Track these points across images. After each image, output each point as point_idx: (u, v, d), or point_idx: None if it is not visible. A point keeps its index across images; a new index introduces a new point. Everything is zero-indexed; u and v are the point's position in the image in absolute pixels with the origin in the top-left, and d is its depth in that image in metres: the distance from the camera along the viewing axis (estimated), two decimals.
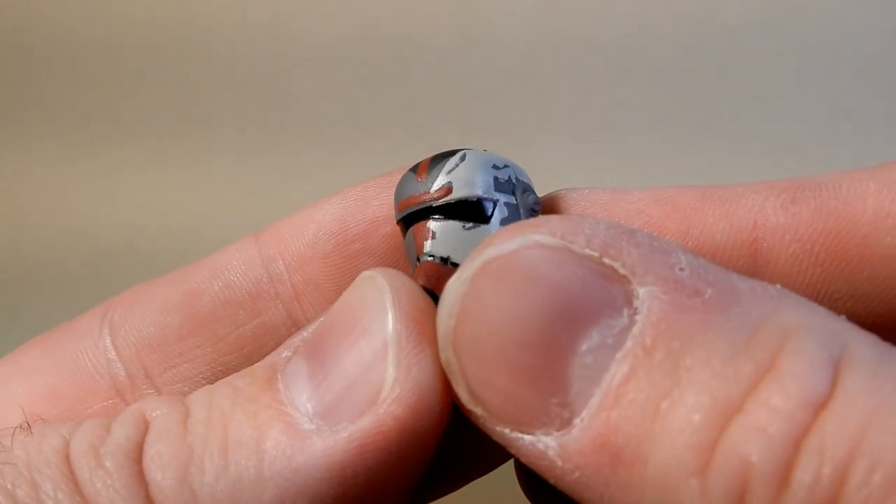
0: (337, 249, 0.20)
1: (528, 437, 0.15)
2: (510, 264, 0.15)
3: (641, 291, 0.15)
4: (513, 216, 0.17)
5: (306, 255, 0.20)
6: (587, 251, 0.15)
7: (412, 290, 0.16)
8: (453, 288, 0.15)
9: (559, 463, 0.15)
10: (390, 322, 0.16)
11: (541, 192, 0.19)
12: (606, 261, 0.15)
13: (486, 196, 0.17)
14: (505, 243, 0.15)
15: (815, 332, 0.14)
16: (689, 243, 0.18)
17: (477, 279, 0.15)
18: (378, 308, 0.16)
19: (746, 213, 0.17)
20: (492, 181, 0.17)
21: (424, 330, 0.16)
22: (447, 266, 0.17)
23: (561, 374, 0.15)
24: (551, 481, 0.15)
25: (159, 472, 0.16)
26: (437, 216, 0.17)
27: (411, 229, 0.17)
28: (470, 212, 0.17)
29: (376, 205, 0.20)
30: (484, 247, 0.15)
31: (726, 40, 0.60)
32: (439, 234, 0.17)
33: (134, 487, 0.16)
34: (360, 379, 0.16)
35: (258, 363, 0.18)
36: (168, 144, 0.63)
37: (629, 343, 0.14)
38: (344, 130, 0.62)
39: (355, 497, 0.16)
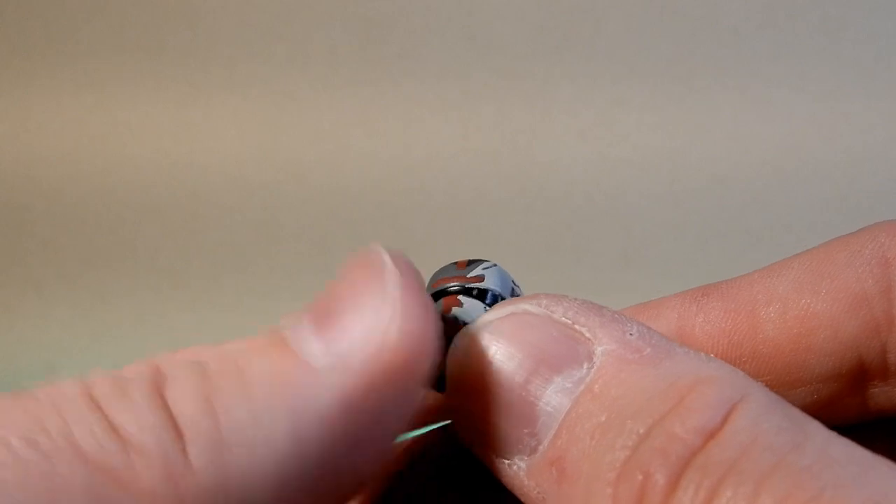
0: None
1: (507, 462, 0.19)
2: (503, 325, 0.20)
3: (599, 350, 0.19)
4: None
5: None
6: (563, 318, 0.19)
7: (405, 261, 0.20)
8: (459, 341, 0.20)
9: (526, 482, 0.19)
10: (391, 280, 0.19)
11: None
12: (577, 326, 0.19)
13: (503, 295, 0.22)
14: (502, 309, 0.20)
15: (720, 382, 0.17)
16: None
17: (478, 335, 0.20)
18: (380, 270, 0.19)
19: (670, 311, 0.22)
20: (510, 289, 0.22)
21: (416, 292, 0.19)
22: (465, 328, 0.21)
23: (532, 411, 0.19)
24: (523, 500, 0.19)
25: (183, 402, 0.18)
26: (468, 294, 0.22)
27: (444, 299, 0.22)
28: (490, 301, 0.22)
29: None
30: (487, 312, 0.20)
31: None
32: (466, 306, 0.22)
33: (162, 416, 0.17)
34: (364, 328, 0.19)
35: (257, 332, 0.20)
36: (178, 83, 0.62)
37: (582, 388, 0.18)
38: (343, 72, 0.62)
39: (358, 421, 0.18)
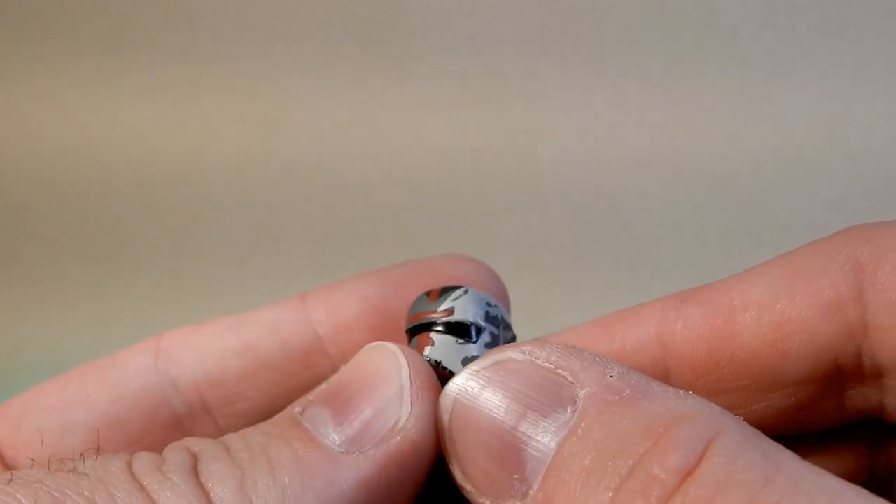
0: (380, 324, 0.25)
1: None
2: (489, 373, 0.20)
3: (581, 393, 0.19)
4: (494, 342, 0.23)
5: (354, 324, 0.25)
6: (546, 364, 0.20)
7: (414, 353, 0.22)
8: (449, 392, 0.21)
9: None
10: (404, 372, 0.21)
11: None
12: (559, 371, 0.20)
13: (476, 323, 0.23)
14: (488, 359, 0.21)
15: (695, 419, 0.18)
16: (614, 346, 0.23)
17: (466, 386, 0.20)
18: (393, 363, 0.21)
19: (650, 318, 0.22)
20: (483, 314, 0.23)
21: (426, 379, 0.21)
22: (439, 368, 0.22)
23: (521, 456, 0.19)
24: None
25: (218, 485, 0.19)
26: (438, 330, 0.23)
27: (417, 337, 0.23)
28: (463, 332, 0.22)
29: (412, 291, 0.24)
30: (474, 362, 0.21)
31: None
32: (437, 343, 0.22)
33: (199, 495, 0.19)
34: (379, 415, 0.21)
35: (274, 417, 0.22)
36: (178, 82, 0.62)
37: (566, 431, 0.19)
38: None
39: (375, 497, 0.20)
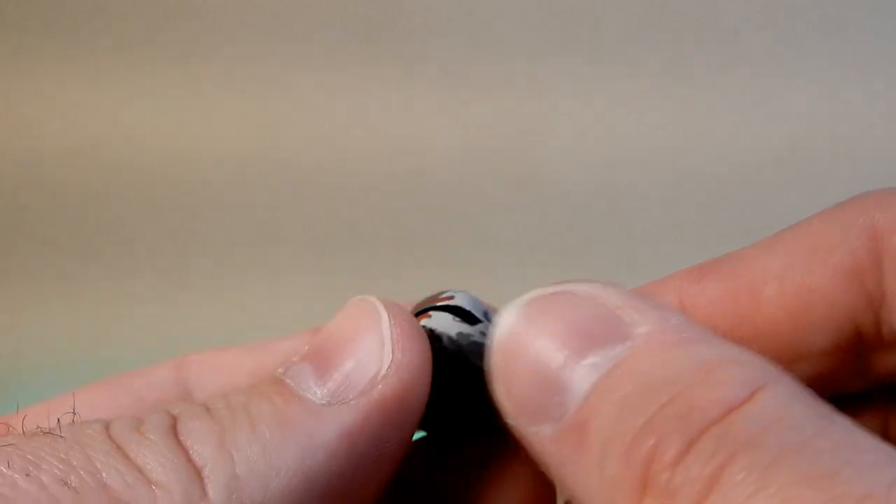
0: None
1: (533, 429, 0.19)
2: (549, 301, 0.20)
3: (638, 331, 0.19)
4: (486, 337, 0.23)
5: None
6: (608, 303, 0.20)
7: (397, 305, 0.22)
8: (506, 312, 0.20)
9: (549, 447, 0.19)
10: (384, 321, 0.21)
11: None
12: (619, 311, 0.19)
13: (473, 312, 0.23)
14: (549, 288, 0.20)
15: (751, 364, 0.18)
16: None
17: (525, 307, 0.20)
18: (373, 314, 0.21)
19: (671, 294, 0.23)
20: (482, 311, 0.23)
21: (408, 328, 0.21)
22: (433, 334, 0.22)
23: (565, 381, 0.19)
24: (544, 467, 0.20)
25: (197, 442, 0.19)
26: (437, 307, 0.23)
27: (416, 318, 0.23)
28: (461, 314, 0.23)
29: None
30: (534, 290, 0.20)
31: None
32: (434, 317, 0.23)
33: (178, 453, 0.19)
34: (360, 365, 0.20)
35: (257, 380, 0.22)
36: (177, 81, 0.62)
37: (616, 363, 0.19)
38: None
39: (360, 452, 0.20)
